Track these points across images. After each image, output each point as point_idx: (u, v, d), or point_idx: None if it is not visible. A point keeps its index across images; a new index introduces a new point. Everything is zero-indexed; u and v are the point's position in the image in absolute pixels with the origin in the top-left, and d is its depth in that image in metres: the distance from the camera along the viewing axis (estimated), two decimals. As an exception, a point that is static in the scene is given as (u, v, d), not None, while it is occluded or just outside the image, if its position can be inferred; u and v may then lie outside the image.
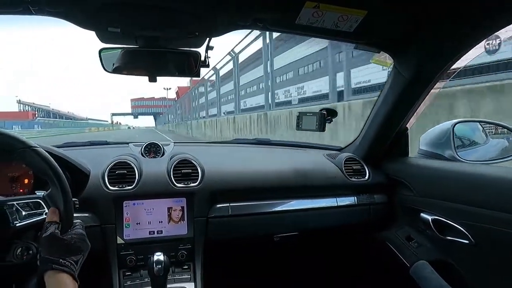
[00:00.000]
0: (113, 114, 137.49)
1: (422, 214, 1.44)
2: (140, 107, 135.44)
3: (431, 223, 1.39)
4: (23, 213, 0.86)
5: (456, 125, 1.49)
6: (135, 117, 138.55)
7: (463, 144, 1.57)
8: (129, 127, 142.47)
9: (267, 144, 1.99)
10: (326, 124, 1.58)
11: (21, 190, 1.19)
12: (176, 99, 59.85)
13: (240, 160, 1.66)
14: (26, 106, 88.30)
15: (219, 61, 14.79)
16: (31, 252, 0.89)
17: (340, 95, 7.47)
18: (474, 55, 1.28)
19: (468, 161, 1.43)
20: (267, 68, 10.72)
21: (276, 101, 11.27)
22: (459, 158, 1.43)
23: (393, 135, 1.61)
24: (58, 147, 1.41)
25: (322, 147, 1.96)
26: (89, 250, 0.87)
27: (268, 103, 10.64)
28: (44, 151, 0.89)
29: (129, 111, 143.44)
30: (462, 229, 1.25)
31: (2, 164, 1.18)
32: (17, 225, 0.85)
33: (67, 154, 1.20)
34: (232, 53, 12.82)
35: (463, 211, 1.24)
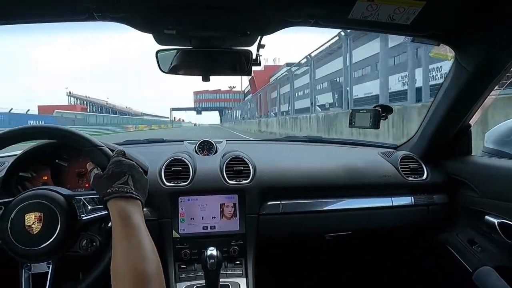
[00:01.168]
0: (173, 109, 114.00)
1: (486, 217, 1.35)
2: (204, 101, 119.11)
3: (497, 226, 1.29)
4: (89, 207, 0.93)
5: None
6: (198, 112, 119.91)
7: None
8: (195, 125, 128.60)
9: (319, 141, 1.97)
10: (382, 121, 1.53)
11: (86, 185, 1.28)
12: (252, 87, 52.08)
13: (291, 158, 1.65)
14: (77, 99, 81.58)
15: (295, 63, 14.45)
16: (94, 244, 0.96)
17: (418, 94, 7.09)
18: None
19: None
20: (346, 61, 10.68)
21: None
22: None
23: (455, 132, 1.51)
24: (119, 144, 1.51)
25: (376, 145, 1.90)
26: (137, 167, 0.90)
27: (347, 101, 10.53)
28: (109, 150, 0.95)
29: (191, 105, 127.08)
30: None
31: (71, 161, 1.28)
32: (83, 218, 0.92)
33: (127, 151, 1.27)
34: (309, 57, 12.81)
35: None
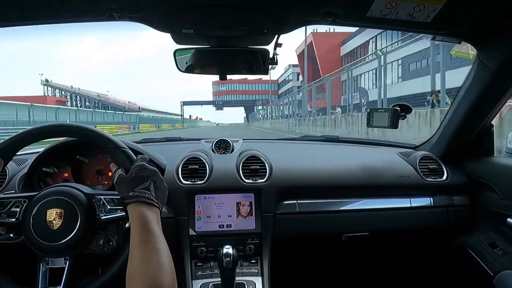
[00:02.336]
0: (184, 103, 73.26)
1: (509, 219, 1.31)
2: (225, 93, 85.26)
3: None
4: (108, 207, 0.95)
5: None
6: (219, 107, 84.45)
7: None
8: (217, 124, 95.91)
9: (336, 141, 1.95)
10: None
11: (106, 182, 1.31)
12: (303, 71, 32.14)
13: (308, 157, 1.64)
14: (56, 89, 60.74)
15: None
16: (111, 243, 0.98)
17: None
18: None
19: None
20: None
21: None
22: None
23: (476, 132, 1.48)
24: (138, 143, 1.53)
25: (395, 145, 1.87)
26: (159, 173, 0.91)
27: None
28: (131, 153, 0.97)
29: (210, 98, 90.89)
30: None
31: (91, 158, 1.31)
32: (102, 217, 0.94)
33: (145, 150, 1.29)
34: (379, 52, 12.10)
35: None
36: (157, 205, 0.85)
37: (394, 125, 1.49)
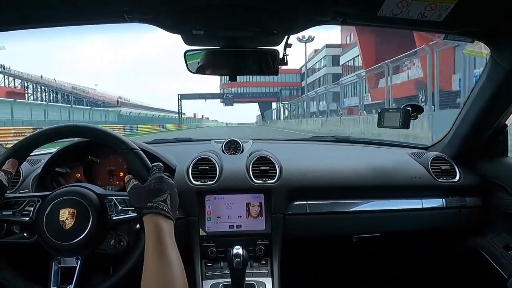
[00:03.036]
0: (182, 97, 57.35)
1: None
2: (235, 85, 60.21)
3: None
4: (119, 208, 0.95)
5: None
6: (228, 103, 63.83)
7: None
8: (226, 124, 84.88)
9: (346, 141, 1.94)
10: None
11: (117, 183, 1.33)
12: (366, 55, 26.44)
13: (318, 158, 1.64)
14: (14, 79, 43.75)
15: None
16: (122, 244, 0.99)
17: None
18: None
19: None
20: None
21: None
22: None
23: (490, 132, 1.45)
24: (148, 143, 1.55)
25: (406, 145, 1.85)
26: (173, 187, 0.92)
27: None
28: (143, 154, 0.98)
29: (216, 91, 73.05)
30: None
31: (102, 158, 1.32)
32: (114, 218, 0.95)
33: (156, 150, 1.30)
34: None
35: None
36: (172, 217, 0.87)
37: (405, 125, 1.47)
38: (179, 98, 55.72)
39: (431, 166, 1.52)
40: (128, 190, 0.92)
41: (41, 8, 0.98)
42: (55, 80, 49.77)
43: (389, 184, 1.49)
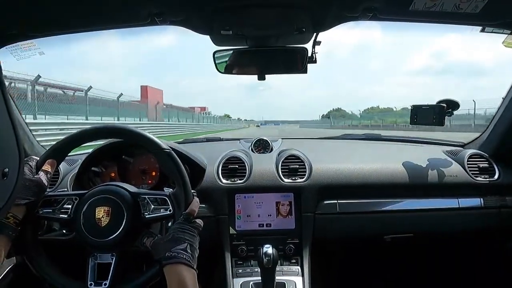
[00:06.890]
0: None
1: None
2: None
3: None
4: (152, 206, 0.98)
5: None
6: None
7: None
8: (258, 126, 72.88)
9: (378, 139, 1.90)
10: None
11: (149, 182, 1.36)
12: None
13: (349, 156, 1.61)
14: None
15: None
16: None
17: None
18: None
19: None
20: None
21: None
22: None
23: None
24: (179, 143, 1.58)
25: (441, 142, 1.79)
26: (197, 236, 0.91)
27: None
28: (175, 155, 1.00)
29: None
30: None
31: (135, 157, 1.36)
32: (147, 216, 0.97)
33: (187, 150, 1.33)
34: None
35: None
36: (194, 267, 0.86)
37: (440, 122, 1.43)
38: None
39: (467, 164, 1.46)
40: (151, 245, 0.92)
41: (73, 15, 1.01)
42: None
43: (423, 183, 1.44)
